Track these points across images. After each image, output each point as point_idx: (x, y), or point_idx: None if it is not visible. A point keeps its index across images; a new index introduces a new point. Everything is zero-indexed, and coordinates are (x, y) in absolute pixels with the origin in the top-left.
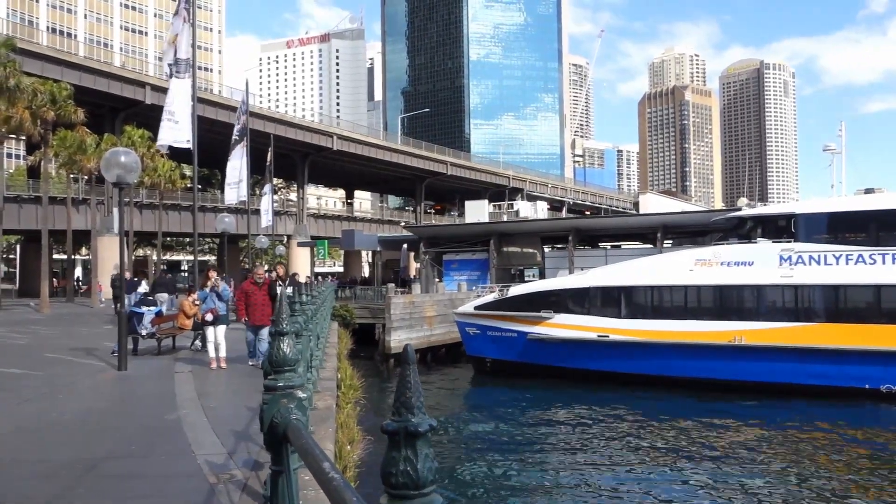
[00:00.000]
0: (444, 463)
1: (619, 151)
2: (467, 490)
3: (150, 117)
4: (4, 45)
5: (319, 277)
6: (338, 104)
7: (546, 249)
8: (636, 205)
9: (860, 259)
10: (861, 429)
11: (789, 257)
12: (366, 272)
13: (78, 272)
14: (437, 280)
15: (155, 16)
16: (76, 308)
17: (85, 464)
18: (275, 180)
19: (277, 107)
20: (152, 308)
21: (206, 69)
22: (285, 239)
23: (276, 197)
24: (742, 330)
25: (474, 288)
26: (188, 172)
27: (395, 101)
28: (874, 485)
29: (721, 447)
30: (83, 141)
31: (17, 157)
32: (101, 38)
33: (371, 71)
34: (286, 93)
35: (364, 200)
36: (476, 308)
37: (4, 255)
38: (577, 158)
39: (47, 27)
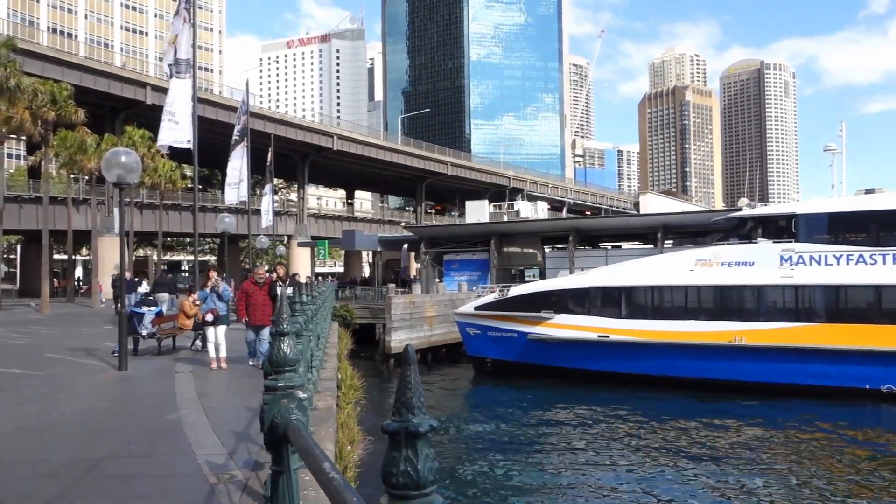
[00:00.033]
0: (444, 463)
1: (619, 152)
2: (468, 490)
3: (150, 117)
4: (5, 46)
5: (320, 277)
6: (338, 104)
7: (546, 250)
8: (636, 205)
9: (861, 259)
10: (861, 429)
11: (790, 257)
12: (366, 272)
13: (78, 272)
14: (437, 280)
15: (155, 16)
16: (76, 308)
17: (85, 464)
18: (275, 180)
19: (278, 107)
20: (153, 308)
21: (206, 69)
22: (286, 239)
23: (276, 197)
24: (742, 330)
25: (475, 288)
26: (188, 172)
27: (395, 102)
28: (875, 485)
29: (721, 447)
30: (84, 141)
31: (18, 157)
32: (101, 39)
33: (371, 71)
34: (286, 93)
35: (364, 201)
36: (476, 308)
37: (5, 256)
38: (577, 158)
39: (48, 27)
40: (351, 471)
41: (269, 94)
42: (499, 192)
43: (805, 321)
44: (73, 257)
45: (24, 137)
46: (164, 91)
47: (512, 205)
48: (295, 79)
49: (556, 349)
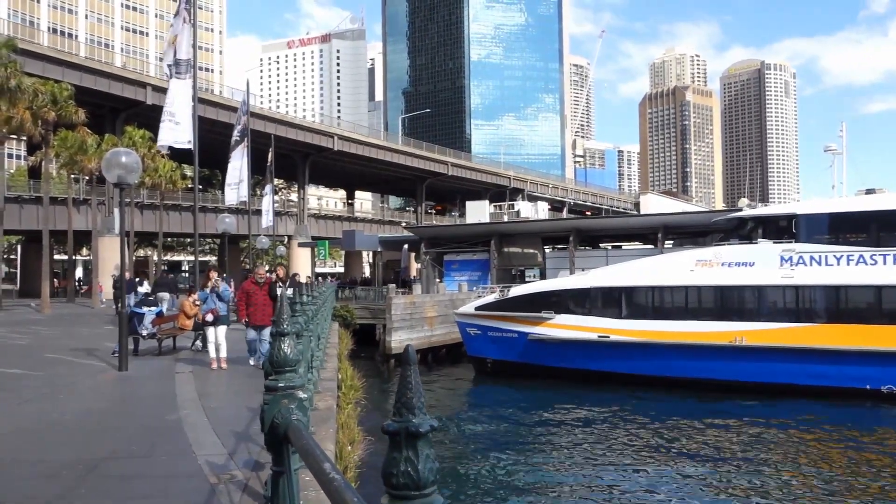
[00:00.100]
0: (445, 463)
1: (619, 152)
2: (468, 490)
3: (150, 118)
4: (5, 46)
5: (320, 278)
6: (338, 104)
7: (547, 250)
8: (637, 205)
9: (861, 260)
10: (861, 430)
11: (790, 258)
12: (366, 273)
13: (79, 273)
14: (437, 280)
15: (156, 16)
16: (77, 308)
17: (86, 464)
18: (275, 181)
19: (278, 107)
20: (153, 308)
21: (206, 70)
22: (286, 239)
23: (276, 197)
24: (743, 330)
25: (475, 288)
26: (189, 173)
27: (395, 102)
28: (875, 485)
29: (721, 447)
30: (84, 141)
31: (18, 157)
32: (101, 39)
33: (372, 71)
34: (287, 93)
35: (365, 201)
36: (477, 308)
37: (5, 256)
38: (577, 159)
39: (48, 28)
40: (351, 471)
41: (270, 95)
42: (499, 193)
43: (805, 321)
44: (74, 258)
45: (24, 138)
46: (165, 91)
47: (512, 205)
48: (295, 79)
49: (556, 349)
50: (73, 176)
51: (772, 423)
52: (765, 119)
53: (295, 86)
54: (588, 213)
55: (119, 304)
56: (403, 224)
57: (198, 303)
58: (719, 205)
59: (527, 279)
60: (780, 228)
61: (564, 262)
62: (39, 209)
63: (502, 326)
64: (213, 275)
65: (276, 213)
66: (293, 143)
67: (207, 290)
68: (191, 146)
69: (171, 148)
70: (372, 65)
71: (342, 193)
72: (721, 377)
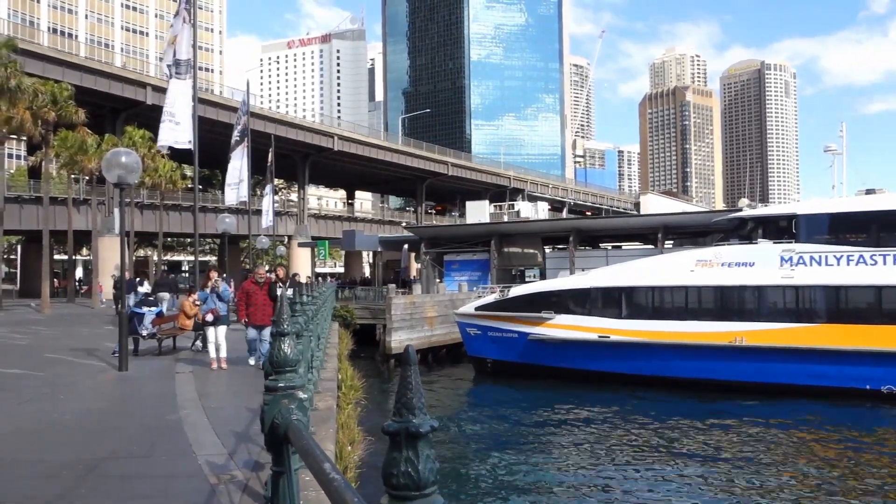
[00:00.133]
0: (445, 463)
1: (619, 152)
2: (468, 490)
3: (150, 118)
4: (6, 46)
5: (320, 278)
6: (339, 105)
7: (547, 250)
8: (637, 205)
9: (861, 260)
10: (861, 430)
11: (790, 258)
12: (366, 273)
13: (79, 273)
14: (437, 280)
15: (156, 16)
16: (77, 308)
17: (86, 464)
18: (275, 181)
19: (278, 107)
20: (153, 308)
21: (206, 70)
22: (286, 239)
23: (276, 197)
24: (743, 331)
25: (475, 288)
26: (189, 173)
27: (395, 102)
28: (875, 486)
29: (721, 447)
30: (84, 141)
31: (19, 157)
32: (102, 39)
33: (372, 71)
34: (287, 93)
35: (365, 201)
36: (477, 309)
37: (5, 256)
38: (577, 159)
39: (48, 28)
40: (351, 471)
41: (270, 95)
42: (499, 193)
43: (805, 322)
44: (74, 258)
45: (24, 138)
46: (165, 91)
47: (512, 205)
48: (295, 79)
49: (556, 349)
50: (73, 176)
51: (772, 423)
52: (765, 119)
53: (295, 86)
54: (588, 214)
55: (119, 305)
56: (403, 224)
57: (198, 303)
58: (719, 205)
59: (527, 279)
60: (780, 228)
61: (564, 263)
62: (39, 209)
63: (502, 326)
64: (213, 275)
65: (276, 213)
66: (293, 143)
67: (207, 291)
68: (191, 146)
69: (171, 148)
70: (372, 65)
71: (342, 193)
72: (721, 377)
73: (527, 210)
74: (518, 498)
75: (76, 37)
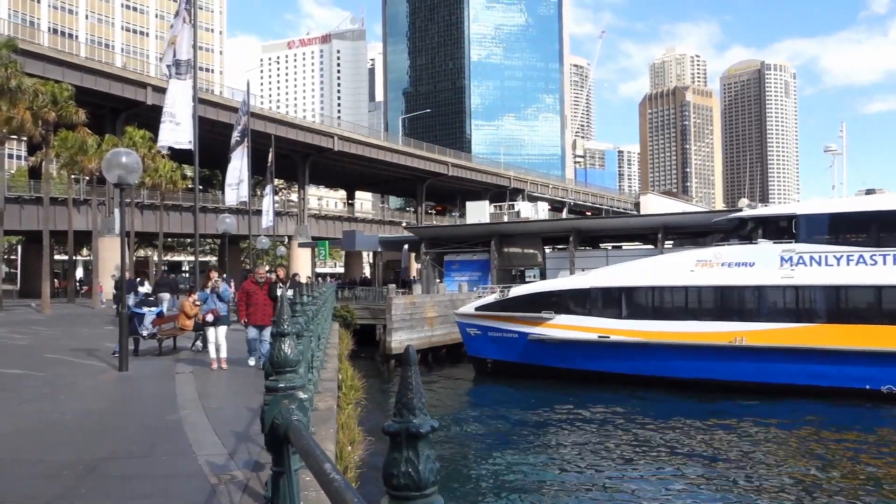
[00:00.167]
0: (445, 464)
1: (619, 152)
2: (468, 490)
3: (151, 118)
4: (6, 47)
5: (320, 278)
6: (339, 105)
7: (547, 250)
8: (637, 205)
9: (861, 260)
10: (861, 430)
11: (790, 258)
12: (367, 273)
13: (79, 273)
14: (437, 281)
15: (156, 17)
16: (77, 309)
17: (86, 464)
18: (276, 181)
19: (278, 107)
20: (153, 309)
21: (206, 70)
22: (286, 240)
23: (276, 198)
24: (743, 331)
25: (475, 289)
26: (189, 173)
27: (396, 102)
28: (875, 486)
29: (721, 447)
30: (84, 142)
31: (19, 157)
32: (102, 39)
33: (372, 72)
34: (287, 93)
35: (365, 201)
36: (477, 309)
37: (6, 256)
38: (577, 159)
39: (48, 28)
40: (351, 471)
41: (270, 95)
42: (499, 193)
43: (805, 322)
44: (74, 258)
45: (24, 138)
46: (165, 92)
47: (512, 205)
48: (295, 79)
49: (556, 350)
50: (73, 176)
51: (772, 423)
52: (765, 119)
53: (295, 86)
54: (588, 214)
55: (119, 305)
56: (403, 224)
57: (198, 303)
58: (719, 205)
59: (527, 279)
60: (781, 229)
61: (564, 263)
62: (40, 209)
63: (502, 327)
64: (214, 275)
65: (277, 214)
66: (293, 144)
67: (208, 291)
68: (191, 146)
69: (171, 148)
70: (372, 65)
71: (342, 194)
72: (721, 377)
73: (527, 210)
74: (518, 498)
75: (76, 37)
